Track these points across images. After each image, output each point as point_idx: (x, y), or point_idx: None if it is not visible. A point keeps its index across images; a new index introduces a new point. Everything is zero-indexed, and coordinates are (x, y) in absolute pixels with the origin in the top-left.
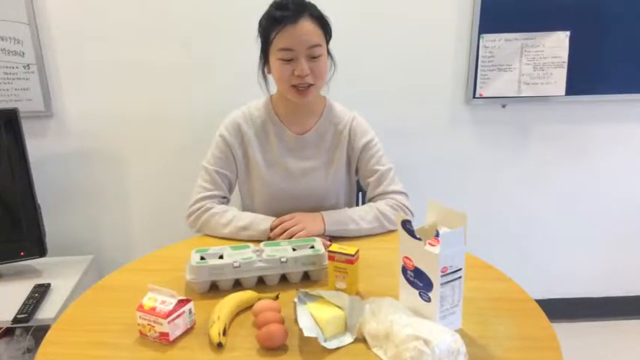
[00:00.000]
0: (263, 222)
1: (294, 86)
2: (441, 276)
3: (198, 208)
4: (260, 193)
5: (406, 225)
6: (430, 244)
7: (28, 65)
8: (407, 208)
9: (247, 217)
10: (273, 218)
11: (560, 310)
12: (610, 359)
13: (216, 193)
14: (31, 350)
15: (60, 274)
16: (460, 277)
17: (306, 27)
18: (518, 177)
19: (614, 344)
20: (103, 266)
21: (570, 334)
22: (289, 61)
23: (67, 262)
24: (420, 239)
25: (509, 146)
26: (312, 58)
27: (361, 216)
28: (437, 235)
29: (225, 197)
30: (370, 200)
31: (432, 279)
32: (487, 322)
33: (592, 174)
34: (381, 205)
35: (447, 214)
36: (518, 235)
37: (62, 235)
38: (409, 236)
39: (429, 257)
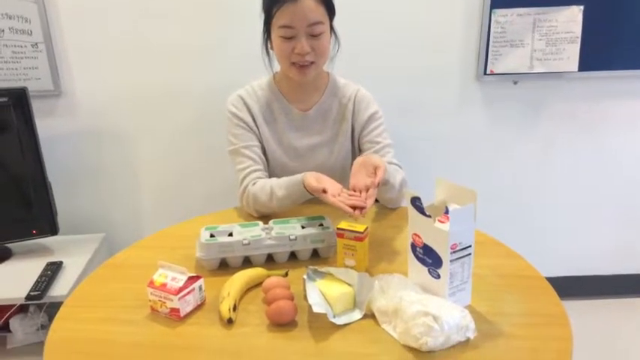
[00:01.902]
0: (310, 180)
1: (294, 64)
2: (451, 253)
3: (243, 192)
4: (270, 169)
5: (416, 202)
6: (440, 221)
7: (36, 44)
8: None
9: (283, 184)
10: (305, 174)
11: (569, 287)
12: (621, 337)
13: (253, 168)
14: (45, 327)
15: (72, 252)
16: (470, 254)
17: (307, 4)
18: (528, 155)
19: (625, 322)
20: (114, 244)
21: (580, 311)
22: (290, 38)
23: (79, 241)
24: (429, 216)
25: (519, 124)
26: (313, 36)
27: (397, 171)
28: (446, 212)
29: (264, 167)
30: None
31: (441, 256)
32: (496, 298)
33: (604, 151)
34: (402, 171)
35: (457, 191)
36: (528, 213)
37: (73, 214)
38: (418, 213)
39: (438, 234)
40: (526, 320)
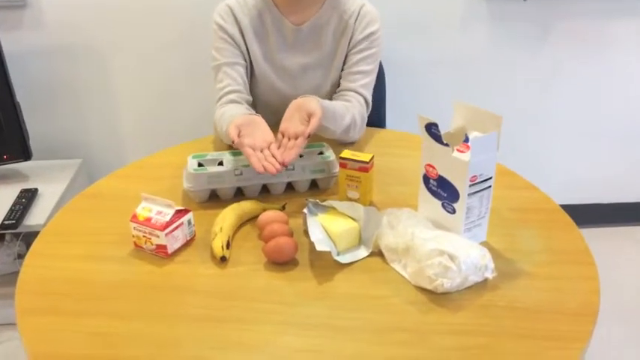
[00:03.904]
0: (230, 128)
1: None
2: (469, 185)
3: (216, 115)
4: (260, 92)
5: (431, 129)
6: (459, 150)
7: None
8: (361, 121)
9: (227, 120)
10: (238, 116)
11: (580, 215)
12: (619, 266)
13: (230, 89)
14: (23, 256)
15: (47, 178)
16: (489, 187)
17: None
18: (534, 77)
19: (623, 250)
20: (93, 170)
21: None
22: None
23: (55, 166)
24: (447, 145)
25: (526, 44)
26: None
27: (341, 116)
28: (466, 140)
29: (245, 89)
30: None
31: (458, 189)
32: (513, 234)
33: (615, 73)
34: (356, 111)
35: (478, 117)
36: (534, 138)
37: (47, 137)
38: (434, 141)
39: (456, 165)
40: (547, 258)
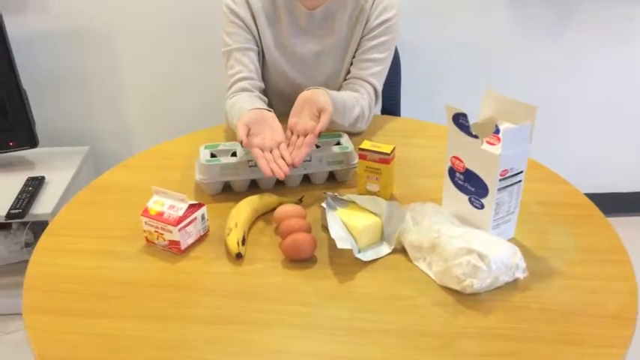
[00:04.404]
0: (239, 127)
1: None
2: (500, 180)
3: (227, 105)
4: (271, 80)
5: (459, 119)
6: (488, 142)
7: None
8: (370, 112)
9: (236, 113)
10: (248, 111)
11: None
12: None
13: (242, 75)
14: (30, 244)
15: (54, 166)
16: (520, 181)
17: None
18: (554, 62)
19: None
20: (100, 158)
21: None
22: None
23: (62, 154)
24: (476, 137)
25: (547, 29)
26: None
27: (350, 109)
28: (496, 131)
29: (257, 76)
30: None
31: (487, 183)
32: (543, 230)
33: (637, 61)
34: (365, 102)
35: (510, 107)
36: (552, 125)
37: (54, 124)
38: (463, 133)
39: (486, 158)
40: (580, 256)
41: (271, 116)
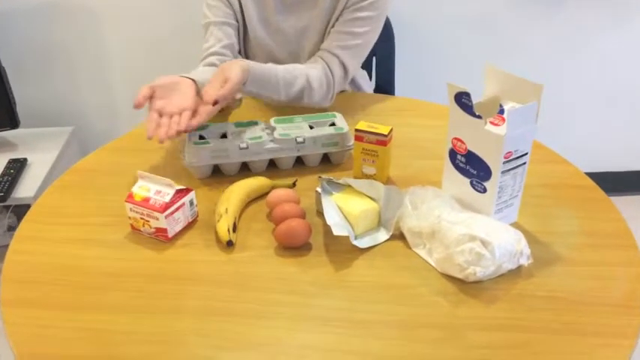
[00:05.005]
0: (143, 87)
1: None
2: (504, 162)
3: None
4: (255, 59)
5: (462, 98)
6: (492, 122)
7: None
8: (332, 86)
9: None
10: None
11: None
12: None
13: (214, 50)
14: (14, 228)
15: (37, 147)
16: (524, 164)
17: None
18: (550, 42)
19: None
20: (85, 139)
21: None
22: None
23: (44, 135)
24: (480, 117)
25: (545, 5)
26: None
27: (288, 83)
28: (500, 111)
29: (231, 52)
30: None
31: (490, 166)
32: (547, 214)
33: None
34: (315, 74)
35: (513, 85)
36: (550, 102)
37: (36, 104)
38: (465, 113)
39: (490, 139)
40: (585, 240)
41: (188, 84)
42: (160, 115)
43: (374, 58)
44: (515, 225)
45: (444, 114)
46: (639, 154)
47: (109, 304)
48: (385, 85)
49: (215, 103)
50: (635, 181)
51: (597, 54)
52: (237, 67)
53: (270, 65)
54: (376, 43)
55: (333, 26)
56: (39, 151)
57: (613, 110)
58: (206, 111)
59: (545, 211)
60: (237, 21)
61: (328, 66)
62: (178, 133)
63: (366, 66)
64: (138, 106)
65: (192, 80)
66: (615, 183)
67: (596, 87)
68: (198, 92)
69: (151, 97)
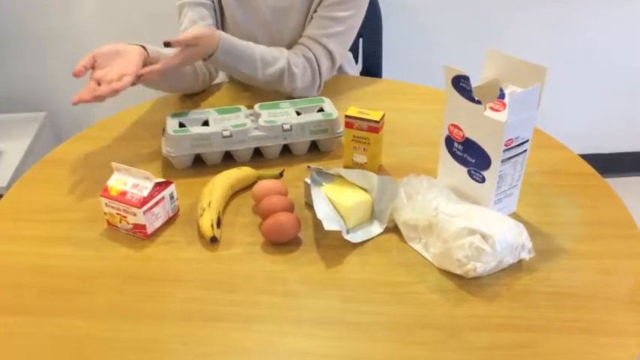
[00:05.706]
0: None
1: None
2: (504, 150)
3: None
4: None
5: (460, 82)
6: (492, 108)
7: None
8: (319, 76)
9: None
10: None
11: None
12: None
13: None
14: None
15: (8, 135)
16: (525, 151)
17: None
18: (537, 23)
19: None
20: (59, 125)
21: None
22: None
23: (16, 121)
24: (479, 102)
25: None
26: None
27: (266, 62)
28: (501, 96)
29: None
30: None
31: (489, 154)
32: (547, 203)
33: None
34: (298, 61)
35: (515, 68)
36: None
37: (7, 88)
38: (463, 98)
39: (490, 126)
40: (587, 231)
41: (135, 50)
42: (99, 84)
43: (360, 40)
44: (515, 216)
45: (438, 98)
46: (629, 135)
47: (84, 309)
48: (372, 68)
49: (167, 44)
50: (627, 163)
51: (592, 30)
52: (203, 27)
53: (248, 42)
54: (362, 24)
55: (315, 11)
56: (10, 139)
57: (609, 90)
58: (143, 71)
59: (545, 200)
60: (213, 1)
61: (314, 55)
62: (101, 96)
63: (352, 48)
64: (76, 75)
65: (142, 47)
66: (615, 165)
67: (583, 71)
68: (148, 59)
69: (93, 67)
